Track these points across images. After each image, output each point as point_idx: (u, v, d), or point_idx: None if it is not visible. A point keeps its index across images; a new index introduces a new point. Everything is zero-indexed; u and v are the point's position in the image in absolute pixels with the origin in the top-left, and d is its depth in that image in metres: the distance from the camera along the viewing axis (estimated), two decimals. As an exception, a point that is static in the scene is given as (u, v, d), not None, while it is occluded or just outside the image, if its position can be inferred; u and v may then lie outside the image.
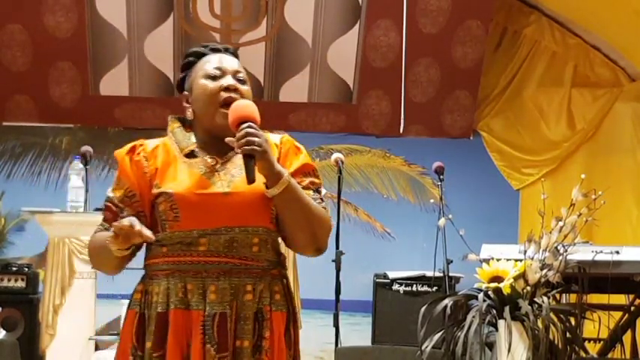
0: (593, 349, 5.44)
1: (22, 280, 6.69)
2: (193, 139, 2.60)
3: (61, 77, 7.70)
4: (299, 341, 2.60)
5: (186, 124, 2.64)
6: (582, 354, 4.97)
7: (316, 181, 2.59)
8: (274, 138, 2.59)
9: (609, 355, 5.40)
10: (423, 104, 7.91)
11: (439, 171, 6.39)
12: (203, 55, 2.64)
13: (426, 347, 4.77)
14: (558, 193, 6.31)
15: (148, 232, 2.39)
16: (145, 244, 2.55)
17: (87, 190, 6.34)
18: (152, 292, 2.52)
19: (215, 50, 2.65)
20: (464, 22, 7.68)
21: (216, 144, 2.55)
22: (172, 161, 2.56)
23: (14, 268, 6.80)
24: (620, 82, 7.85)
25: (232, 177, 2.52)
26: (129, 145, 2.63)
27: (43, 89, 7.71)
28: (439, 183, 6.36)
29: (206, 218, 2.48)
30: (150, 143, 2.62)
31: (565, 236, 4.89)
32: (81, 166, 6.32)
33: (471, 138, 8.08)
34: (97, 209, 6.41)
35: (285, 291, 2.56)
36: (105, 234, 2.49)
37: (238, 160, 2.51)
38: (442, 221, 5.71)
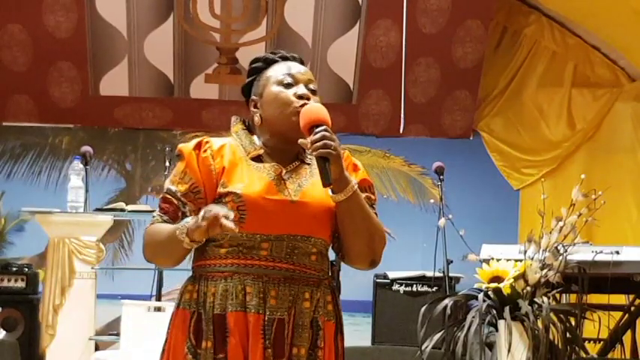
0: (593, 349, 5.44)
1: (22, 280, 6.70)
2: (258, 142, 2.60)
3: (61, 77, 7.70)
4: (344, 354, 2.62)
5: (249, 128, 2.64)
6: (582, 354, 4.97)
7: (372, 197, 2.61)
8: None
9: (609, 355, 5.40)
10: (423, 104, 7.91)
11: (439, 171, 6.39)
12: (273, 61, 2.64)
13: (426, 347, 4.77)
14: (558, 193, 6.30)
15: (232, 225, 2.36)
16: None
17: (87, 190, 6.34)
18: (208, 292, 2.50)
19: (284, 58, 2.66)
20: (464, 22, 7.68)
21: (281, 150, 2.58)
22: (239, 162, 2.55)
23: (14, 268, 6.81)
24: (620, 82, 7.84)
25: (299, 187, 2.54)
26: (195, 141, 2.60)
27: (43, 89, 7.70)
28: (439, 183, 6.37)
29: (271, 224, 2.49)
30: (216, 141, 2.59)
31: (565, 236, 4.89)
32: (81, 166, 6.32)
33: (471, 138, 8.08)
34: (97, 209, 6.42)
35: (336, 301, 2.60)
36: (169, 226, 2.48)
37: (304, 171, 2.56)
38: (442, 221, 5.71)
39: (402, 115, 7.90)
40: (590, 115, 7.82)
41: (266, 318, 2.46)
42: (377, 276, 6.63)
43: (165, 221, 2.52)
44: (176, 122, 7.77)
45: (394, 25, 7.68)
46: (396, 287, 6.53)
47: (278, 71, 2.60)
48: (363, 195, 2.56)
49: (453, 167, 6.69)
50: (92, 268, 6.34)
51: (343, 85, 7.89)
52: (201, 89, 7.68)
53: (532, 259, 4.85)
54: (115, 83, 7.78)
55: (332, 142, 2.44)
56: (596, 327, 5.14)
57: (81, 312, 6.25)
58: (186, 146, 2.59)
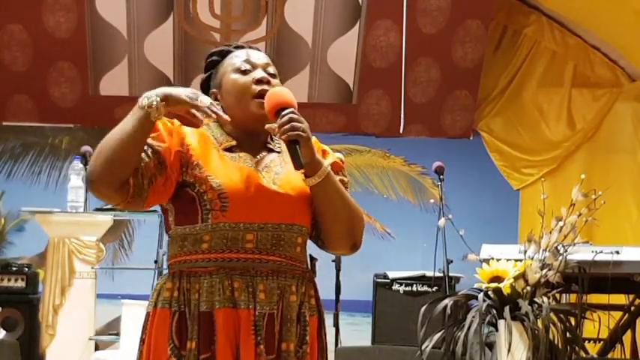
0: (593, 349, 5.44)
1: (22, 280, 6.70)
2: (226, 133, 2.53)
3: (61, 77, 7.70)
4: (327, 349, 2.54)
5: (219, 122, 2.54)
6: (582, 354, 4.97)
7: (345, 179, 2.56)
8: None
9: (609, 355, 5.40)
10: (423, 104, 7.91)
11: (439, 171, 6.39)
12: (228, 52, 2.58)
13: (426, 347, 4.77)
14: (558, 193, 6.30)
15: (224, 116, 2.36)
16: (167, 239, 2.47)
17: (87, 190, 6.33)
18: (191, 290, 2.39)
19: (239, 48, 2.60)
20: (464, 22, 7.68)
21: (248, 141, 2.50)
22: (211, 150, 2.47)
23: (14, 268, 6.81)
24: (620, 82, 7.84)
25: (276, 174, 2.46)
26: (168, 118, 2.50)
27: (43, 89, 7.70)
28: (439, 183, 6.36)
29: (254, 212, 2.40)
30: (189, 127, 2.51)
31: (565, 236, 4.89)
32: (81, 166, 6.32)
33: (471, 138, 8.07)
34: (97, 209, 6.42)
35: (317, 295, 2.51)
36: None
37: (276, 159, 2.48)
38: (442, 221, 5.71)
39: (402, 115, 7.89)
40: (590, 115, 7.82)
41: (256, 313, 2.37)
42: (377, 276, 6.63)
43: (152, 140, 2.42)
44: (176, 122, 7.77)
45: (394, 25, 7.68)
46: (396, 287, 6.53)
47: (235, 59, 2.54)
48: (337, 178, 2.50)
49: (453, 167, 6.68)
50: (92, 268, 6.34)
51: (343, 85, 7.89)
52: (201, 89, 7.68)
53: (532, 259, 4.85)
54: (115, 83, 7.77)
55: (300, 124, 2.37)
56: (596, 327, 5.14)
57: (81, 312, 6.25)
58: (162, 119, 2.44)
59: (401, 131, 7.94)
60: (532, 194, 7.59)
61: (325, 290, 6.43)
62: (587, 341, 5.29)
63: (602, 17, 7.48)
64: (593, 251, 5.05)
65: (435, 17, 7.67)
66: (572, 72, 7.90)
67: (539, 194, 5.09)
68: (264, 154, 2.50)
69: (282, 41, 7.71)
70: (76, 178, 6.29)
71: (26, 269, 6.81)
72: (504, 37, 8.04)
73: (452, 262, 6.05)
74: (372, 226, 8.43)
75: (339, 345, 5.92)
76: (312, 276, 2.51)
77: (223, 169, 2.43)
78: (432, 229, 5.97)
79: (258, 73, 2.50)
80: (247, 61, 2.53)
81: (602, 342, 5.43)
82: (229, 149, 2.48)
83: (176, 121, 2.49)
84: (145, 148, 2.38)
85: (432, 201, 6.91)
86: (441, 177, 6.36)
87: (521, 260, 4.86)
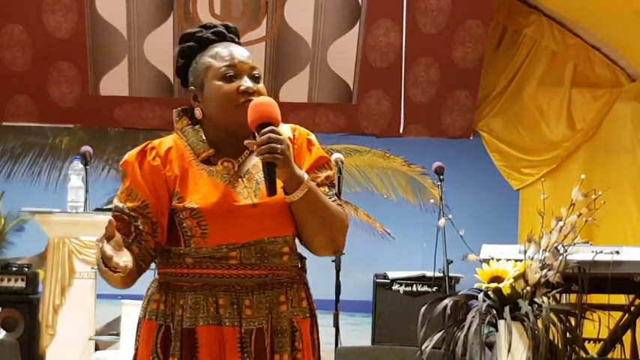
0: (593, 349, 5.44)
1: (22, 280, 6.69)
2: (204, 137, 2.43)
3: (61, 77, 7.70)
4: (320, 349, 2.51)
5: (194, 120, 2.47)
6: (582, 354, 4.97)
7: (330, 173, 2.46)
8: (286, 130, 2.42)
9: (609, 355, 5.40)
10: (423, 104, 7.91)
11: (439, 171, 6.39)
12: (207, 41, 2.47)
13: (426, 347, 4.77)
14: (558, 193, 6.30)
15: (122, 264, 2.21)
16: (160, 249, 2.42)
17: (87, 190, 6.34)
18: (176, 305, 2.37)
19: (218, 34, 2.48)
20: (464, 22, 7.68)
21: (229, 143, 2.41)
22: (188, 167, 2.40)
23: (14, 268, 6.80)
24: (620, 82, 7.84)
25: (257, 184, 2.38)
26: (137, 150, 2.44)
27: (43, 89, 7.70)
28: (439, 183, 6.36)
29: (235, 232, 2.34)
30: (162, 145, 2.43)
31: (565, 236, 4.89)
32: (81, 166, 6.32)
33: (471, 138, 8.07)
34: (97, 209, 6.42)
35: (308, 295, 2.46)
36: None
37: (258, 163, 2.37)
38: (442, 221, 5.71)
39: (402, 115, 7.89)
40: (590, 115, 7.82)
41: (243, 330, 2.33)
42: (377, 276, 6.63)
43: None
44: (176, 122, 7.77)
45: (394, 25, 7.68)
46: (396, 287, 6.53)
47: (217, 60, 2.42)
48: (322, 175, 2.44)
49: (453, 167, 6.69)
50: (92, 268, 6.33)
51: (343, 85, 7.89)
52: (201, 89, 7.68)
53: (532, 259, 4.85)
54: (115, 83, 7.77)
55: (279, 146, 2.26)
56: (596, 327, 5.14)
57: (81, 312, 6.25)
58: (129, 158, 2.43)
59: (401, 131, 7.94)
60: (532, 194, 7.59)
61: (325, 290, 6.43)
62: (587, 341, 5.29)
63: (602, 17, 7.48)
64: (593, 251, 5.05)
65: (435, 17, 7.67)
66: (572, 72, 7.91)
67: (539, 194, 5.10)
68: (246, 154, 2.42)
69: (282, 41, 7.71)
70: (76, 178, 6.28)
71: (26, 269, 6.81)
72: (504, 37, 8.04)
73: (452, 262, 6.05)
74: (372, 226, 8.43)
75: (339, 345, 5.91)
76: (302, 277, 2.47)
77: (200, 191, 2.36)
78: (432, 229, 5.97)
79: (245, 83, 2.39)
80: (232, 66, 2.41)
81: (602, 342, 5.43)
82: (207, 160, 2.41)
83: (151, 146, 2.43)
84: (133, 220, 2.37)
85: (432, 201, 6.91)
86: (441, 177, 6.36)
87: (521, 260, 4.86)
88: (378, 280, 6.61)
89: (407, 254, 8.03)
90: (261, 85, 2.43)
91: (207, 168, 2.39)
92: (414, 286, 6.50)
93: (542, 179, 6.68)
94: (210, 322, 2.34)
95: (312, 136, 2.49)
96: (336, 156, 6.28)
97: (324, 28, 7.68)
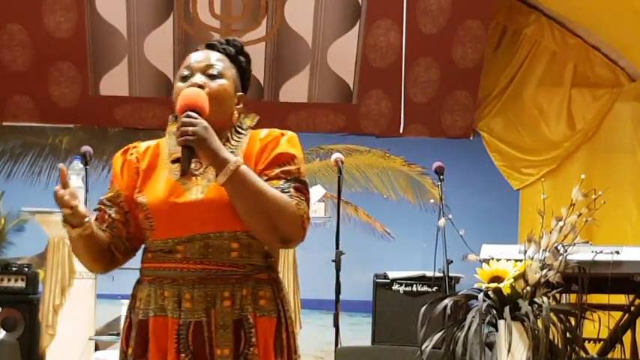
0: (593, 349, 5.44)
1: (22, 280, 6.70)
2: None
3: (61, 77, 7.70)
4: (293, 347, 2.51)
5: None
6: (582, 354, 4.97)
7: (292, 168, 2.47)
8: (263, 132, 2.53)
9: (609, 355, 5.40)
10: (423, 104, 7.92)
11: (439, 171, 6.39)
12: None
13: (426, 347, 4.77)
14: (558, 193, 6.31)
15: (73, 202, 2.43)
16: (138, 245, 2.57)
17: (87, 190, 6.33)
18: (137, 297, 2.51)
19: (210, 46, 2.59)
20: (464, 22, 7.68)
21: None
22: (158, 165, 2.53)
23: (14, 268, 6.81)
24: (620, 82, 7.85)
25: (209, 181, 2.45)
26: (124, 148, 2.63)
27: (43, 89, 7.71)
28: (439, 183, 6.36)
29: (179, 227, 2.43)
30: (144, 144, 2.60)
31: (565, 236, 4.89)
32: (81, 166, 6.31)
33: (471, 138, 8.08)
34: (97, 210, 6.41)
35: (275, 295, 2.48)
36: None
37: None
38: (442, 221, 5.71)
39: (402, 115, 7.90)
40: (590, 115, 7.82)
41: (181, 322, 2.41)
42: (377, 276, 6.63)
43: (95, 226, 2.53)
44: (176, 122, 7.77)
45: (394, 25, 7.68)
46: (396, 287, 6.53)
47: (182, 65, 2.57)
48: (278, 170, 2.45)
49: (453, 167, 6.68)
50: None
51: (343, 85, 7.89)
52: (201, 89, 7.68)
53: (532, 259, 4.85)
54: (115, 83, 7.78)
55: (190, 128, 2.34)
56: (596, 327, 5.14)
57: (81, 312, 6.25)
58: (115, 155, 2.62)
59: (401, 131, 7.94)
60: (532, 194, 7.59)
61: (325, 290, 6.44)
62: (587, 341, 5.29)
63: (602, 17, 7.48)
64: (593, 251, 5.05)
65: (435, 17, 7.67)
66: (572, 72, 7.91)
67: (539, 194, 5.10)
68: None
69: (282, 41, 7.71)
70: (75, 178, 6.27)
71: (26, 269, 6.81)
72: (504, 37, 8.04)
73: (452, 262, 6.04)
74: (372, 226, 8.43)
75: (339, 345, 5.91)
76: (264, 277, 2.47)
77: (155, 188, 2.49)
78: (432, 229, 5.97)
79: (195, 79, 2.50)
80: (188, 66, 2.54)
81: (602, 342, 5.43)
82: (177, 160, 2.48)
83: (134, 145, 2.60)
84: (108, 208, 2.56)
85: (432, 201, 6.91)
86: (441, 177, 6.35)
87: (521, 260, 4.86)
88: (378, 280, 6.61)
89: (407, 254, 8.03)
90: (217, 82, 2.50)
91: (170, 166, 2.51)
92: (414, 286, 6.51)
93: (542, 179, 6.68)
94: (158, 313, 2.45)
95: (285, 138, 2.51)
96: (336, 156, 6.28)
97: (324, 28, 7.69)
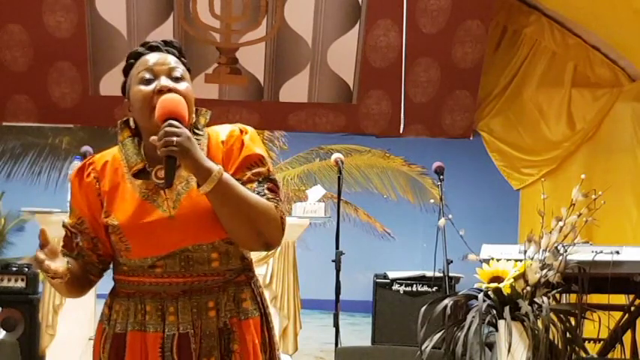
0: (593, 349, 5.44)
1: (22, 280, 6.69)
2: (142, 151, 2.47)
3: (61, 77, 7.70)
4: (275, 343, 2.52)
5: (138, 131, 2.51)
6: (582, 354, 4.97)
7: (262, 170, 2.45)
8: (222, 134, 2.48)
9: (609, 355, 5.40)
10: (423, 104, 7.91)
11: (439, 171, 6.39)
12: (140, 55, 2.50)
13: (426, 347, 4.77)
14: (558, 193, 6.31)
15: (53, 267, 2.32)
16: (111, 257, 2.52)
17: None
18: (114, 309, 2.48)
19: (153, 48, 2.51)
20: (464, 22, 7.68)
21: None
22: (120, 181, 2.45)
23: (14, 268, 6.80)
24: (620, 82, 7.84)
25: (178, 195, 2.40)
26: (79, 166, 2.53)
27: (43, 89, 7.70)
28: (439, 183, 6.36)
29: (156, 245, 2.39)
30: (100, 160, 2.50)
31: (565, 236, 4.89)
32: (81, 166, 6.31)
33: (471, 138, 8.08)
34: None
35: (255, 294, 2.48)
36: None
37: (184, 174, 2.40)
38: (442, 221, 5.71)
39: (402, 115, 7.89)
40: (590, 115, 7.82)
41: (165, 335, 2.39)
42: (377, 276, 6.63)
43: (64, 254, 2.47)
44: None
45: (394, 25, 7.68)
46: (396, 287, 6.53)
47: (139, 67, 2.46)
48: (249, 173, 2.42)
49: (452, 167, 6.69)
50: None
51: (343, 85, 7.89)
52: (201, 89, 7.68)
53: (532, 259, 4.85)
54: (115, 83, 7.69)
55: (174, 138, 2.26)
56: (596, 327, 5.14)
57: (81, 312, 6.25)
58: (71, 175, 2.54)
59: (401, 131, 7.94)
60: (532, 194, 7.59)
61: (325, 290, 6.43)
62: (587, 341, 5.29)
63: (602, 17, 7.48)
64: (593, 251, 5.05)
65: (435, 17, 7.67)
66: (572, 72, 7.90)
67: (539, 194, 5.10)
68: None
69: (282, 41, 7.71)
70: (76, 178, 6.28)
71: (26, 269, 6.81)
72: (504, 37, 8.04)
73: (452, 262, 6.05)
74: (372, 226, 8.43)
75: (339, 345, 5.91)
76: (243, 279, 2.47)
77: (121, 208, 2.42)
78: (432, 229, 5.97)
79: (162, 82, 2.41)
80: (149, 69, 2.44)
81: (602, 342, 5.43)
82: (143, 170, 2.44)
83: (90, 161, 2.51)
84: (74, 237, 2.49)
85: (432, 201, 6.91)
86: (441, 177, 6.35)
87: (521, 260, 4.86)
88: (378, 280, 6.61)
89: (407, 254, 8.04)
90: (184, 85, 2.44)
91: (134, 182, 2.44)
92: (414, 286, 6.51)
93: (542, 179, 6.68)
94: (136, 327, 2.42)
95: (248, 136, 2.49)
96: (336, 156, 6.28)
97: (324, 28, 7.68)
